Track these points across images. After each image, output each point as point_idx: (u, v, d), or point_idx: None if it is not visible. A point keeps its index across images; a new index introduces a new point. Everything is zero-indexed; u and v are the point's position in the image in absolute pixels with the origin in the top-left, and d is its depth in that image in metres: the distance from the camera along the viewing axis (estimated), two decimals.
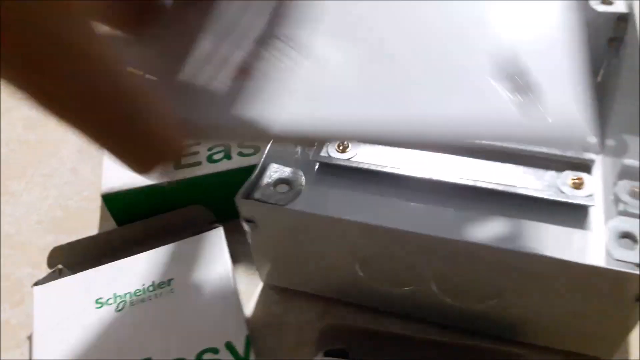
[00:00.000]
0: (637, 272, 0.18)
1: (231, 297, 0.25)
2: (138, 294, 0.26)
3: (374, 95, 0.16)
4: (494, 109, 0.15)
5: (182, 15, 0.20)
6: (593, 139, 0.15)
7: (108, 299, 0.26)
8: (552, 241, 0.21)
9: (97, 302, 0.26)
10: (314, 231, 0.23)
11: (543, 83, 0.15)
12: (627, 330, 0.21)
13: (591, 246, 0.20)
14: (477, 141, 0.16)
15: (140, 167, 0.16)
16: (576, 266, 0.19)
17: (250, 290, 0.28)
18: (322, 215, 0.22)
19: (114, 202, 0.29)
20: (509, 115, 0.15)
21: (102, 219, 0.32)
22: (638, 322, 0.21)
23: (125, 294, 0.26)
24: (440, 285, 0.23)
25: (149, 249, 0.27)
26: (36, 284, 0.27)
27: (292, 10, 0.18)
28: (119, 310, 0.25)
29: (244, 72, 0.17)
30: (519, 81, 0.15)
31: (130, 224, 0.29)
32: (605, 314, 0.21)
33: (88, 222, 0.32)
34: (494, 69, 0.16)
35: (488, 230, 0.20)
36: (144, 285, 0.26)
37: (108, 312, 0.25)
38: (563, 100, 0.15)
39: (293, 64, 0.17)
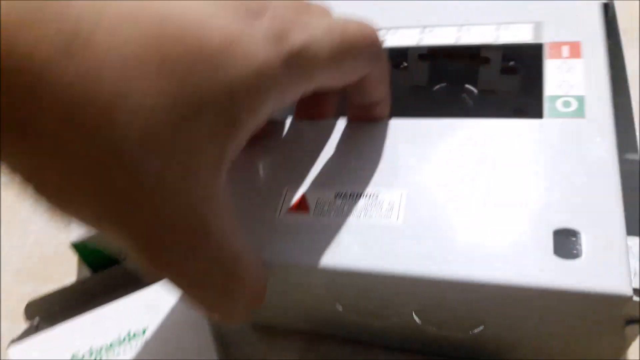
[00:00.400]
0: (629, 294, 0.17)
1: (205, 342, 0.25)
2: (113, 346, 0.25)
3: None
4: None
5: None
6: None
7: (84, 355, 0.25)
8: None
9: (73, 357, 0.25)
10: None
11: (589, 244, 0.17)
12: (618, 353, 0.20)
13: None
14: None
15: (229, 316, 0.17)
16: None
17: (230, 329, 0.27)
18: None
19: (84, 249, 0.28)
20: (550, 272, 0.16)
21: (80, 263, 0.31)
22: (629, 344, 0.19)
23: (101, 348, 0.25)
24: (422, 317, 0.22)
25: (125, 294, 0.27)
26: (12, 342, 0.26)
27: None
28: None
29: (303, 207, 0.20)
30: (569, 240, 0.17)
31: (105, 270, 0.29)
32: (593, 338, 0.20)
33: (66, 268, 0.31)
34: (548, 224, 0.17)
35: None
36: (119, 335, 0.25)
37: None
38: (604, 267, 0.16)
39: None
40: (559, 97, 0.21)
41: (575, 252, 0.16)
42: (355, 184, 0.20)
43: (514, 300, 0.18)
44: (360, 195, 0.19)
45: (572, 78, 0.21)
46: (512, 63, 0.26)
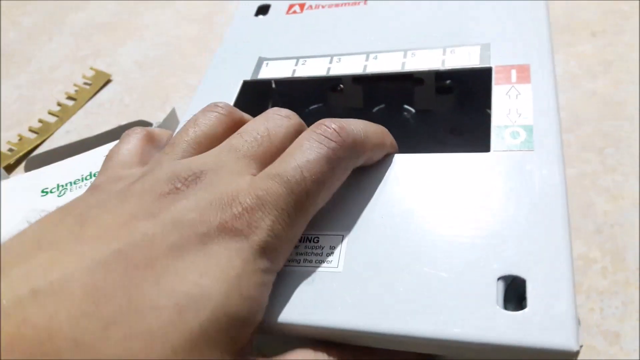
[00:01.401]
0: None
1: None
2: (77, 182, 0.26)
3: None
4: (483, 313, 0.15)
5: None
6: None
7: (52, 189, 0.26)
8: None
9: (42, 191, 0.26)
10: None
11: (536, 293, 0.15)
12: None
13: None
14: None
15: None
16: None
17: None
18: None
19: None
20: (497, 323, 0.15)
21: None
22: None
23: (67, 184, 0.26)
24: None
25: None
26: None
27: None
28: (60, 196, 0.26)
29: None
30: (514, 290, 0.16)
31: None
32: None
33: None
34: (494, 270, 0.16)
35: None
36: (82, 175, 0.26)
37: (51, 198, 0.26)
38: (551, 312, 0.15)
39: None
40: (507, 127, 0.20)
41: (521, 302, 0.15)
42: None
43: (449, 353, 0.17)
44: (301, 239, 0.18)
45: (521, 106, 0.20)
46: (448, 82, 0.25)
